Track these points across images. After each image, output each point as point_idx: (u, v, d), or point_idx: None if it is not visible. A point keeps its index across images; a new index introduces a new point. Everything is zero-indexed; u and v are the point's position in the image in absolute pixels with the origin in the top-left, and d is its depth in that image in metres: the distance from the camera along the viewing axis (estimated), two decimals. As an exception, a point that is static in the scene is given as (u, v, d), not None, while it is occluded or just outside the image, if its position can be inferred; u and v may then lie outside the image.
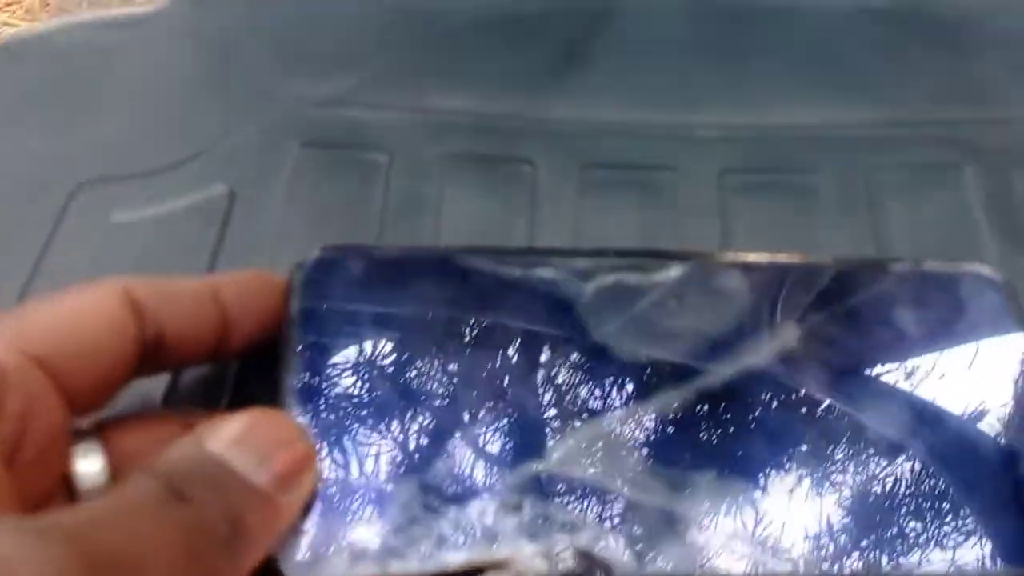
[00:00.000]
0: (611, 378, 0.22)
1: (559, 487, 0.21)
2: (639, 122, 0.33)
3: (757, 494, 0.21)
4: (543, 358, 0.22)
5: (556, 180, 0.31)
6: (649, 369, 0.23)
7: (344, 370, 0.22)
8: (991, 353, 0.24)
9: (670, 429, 0.22)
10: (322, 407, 0.21)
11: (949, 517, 0.22)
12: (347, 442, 0.21)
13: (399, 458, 0.21)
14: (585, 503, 0.21)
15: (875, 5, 0.33)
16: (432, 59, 0.34)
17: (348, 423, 0.21)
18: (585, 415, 0.22)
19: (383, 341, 0.22)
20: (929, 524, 0.22)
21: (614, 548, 0.20)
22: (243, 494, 0.18)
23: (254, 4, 0.35)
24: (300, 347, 0.22)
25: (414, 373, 0.22)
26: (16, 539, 0.15)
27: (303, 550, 0.19)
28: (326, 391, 0.21)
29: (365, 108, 0.33)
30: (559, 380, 0.22)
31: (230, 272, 0.23)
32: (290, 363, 0.21)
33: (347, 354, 0.22)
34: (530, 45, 0.34)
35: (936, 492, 0.22)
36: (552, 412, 0.22)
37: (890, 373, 0.23)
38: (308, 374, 0.21)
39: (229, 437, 0.19)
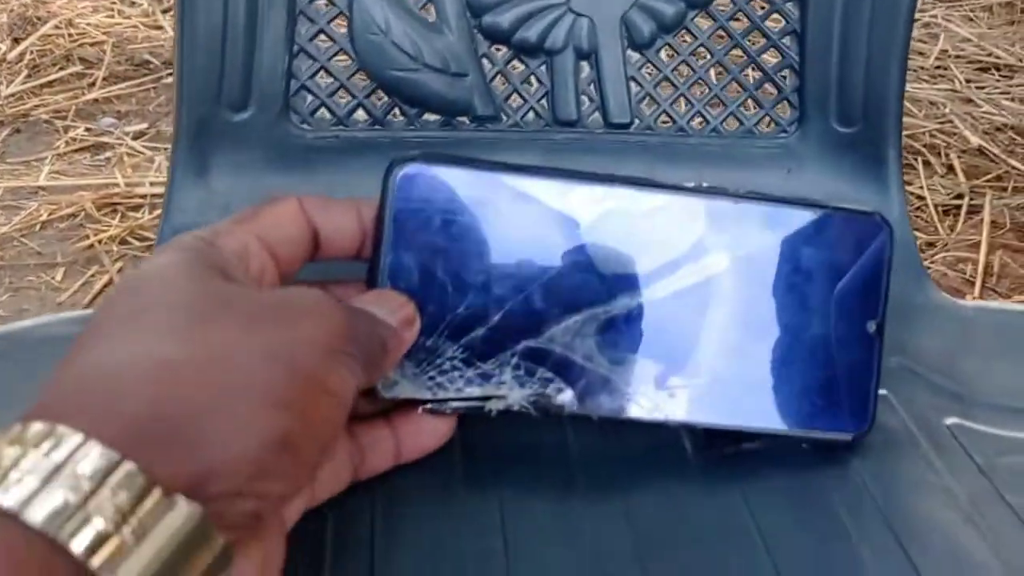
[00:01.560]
0: (587, 287, 0.34)
1: (542, 355, 0.33)
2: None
3: (664, 369, 0.34)
4: (549, 265, 0.33)
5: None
6: (615, 281, 0.34)
7: (418, 260, 0.32)
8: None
9: (616, 324, 0.34)
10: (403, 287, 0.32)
11: (812, 387, 0.36)
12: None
13: (449, 327, 0.32)
14: (556, 366, 0.33)
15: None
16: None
17: (418, 300, 0.32)
18: (567, 311, 0.33)
19: (446, 241, 0.33)
20: (793, 391, 0.36)
21: (569, 395, 0.33)
22: (385, 328, 0.30)
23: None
24: (391, 240, 0.32)
25: (465, 270, 0.33)
26: (317, 291, 0.29)
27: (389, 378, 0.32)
28: (405, 277, 0.32)
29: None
30: (555, 285, 0.33)
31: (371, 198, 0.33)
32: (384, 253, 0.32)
33: (421, 248, 0.32)
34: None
35: (800, 367, 0.36)
36: (545, 306, 0.33)
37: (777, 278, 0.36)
38: (394, 259, 0.32)
39: (369, 300, 0.31)
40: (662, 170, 0.47)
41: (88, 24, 1.59)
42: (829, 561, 0.33)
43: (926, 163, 1.38)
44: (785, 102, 0.47)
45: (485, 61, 0.46)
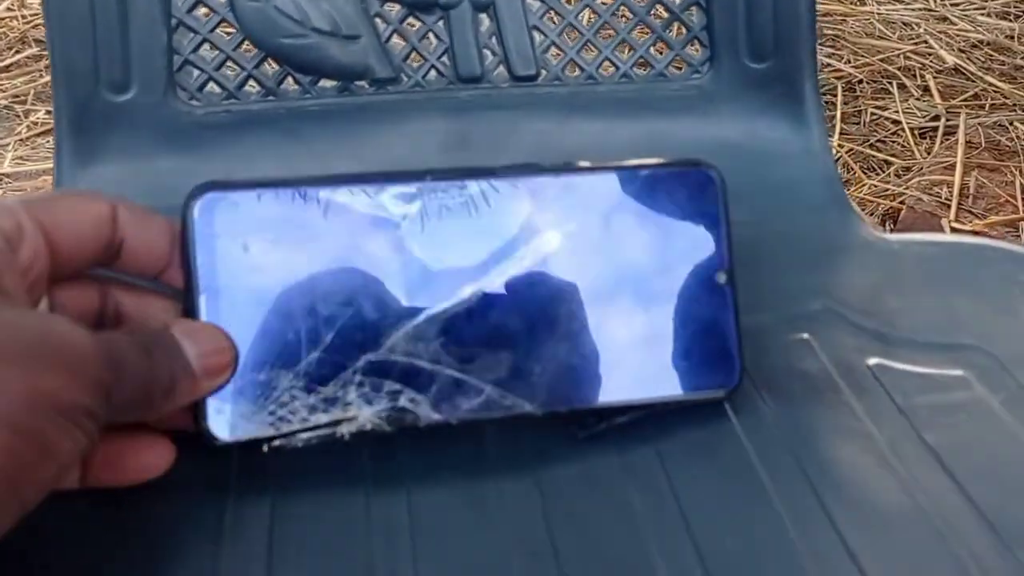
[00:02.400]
0: (424, 286, 0.32)
1: (385, 367, 0.31)
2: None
3: (514, 359, 0.33)
4: (376, 274, 0.32)
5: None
6: (448, 277, 0.32)
7: (234, 291, 0.31)
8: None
9: (458, 322, 0.32)
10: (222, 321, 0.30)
11: (672, 351, 0.34)
12: (241, 343, 0.31)
13: (281, 357, 0.31)
14: (403, 376, 0.31)
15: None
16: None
17: (243, 328, 0.30)
18: (403, 317, 0.32)
19: (261, 267, 0.31)
20: (653, 358, 0.34)
21: (421, 404, 0.32)
22: (184, 369, 0.29)
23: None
24: (202, 273, 0.31)
25: (286, 294, 0.31)
26: (68, 321, 0.26)
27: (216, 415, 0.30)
28: (224, 310, 0.31)
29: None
30: (385, 292, 0.32)
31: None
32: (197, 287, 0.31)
33: (235, 277, 0.31)
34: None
35: (654, 333, 0.34)
36: (379, 316, 0.31)
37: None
38: (208, 293, 0.31)
39: (189, 331, 0.29)
40: (575, 122, 0.46)
41: (41, 4, 1.56)
42: (741, 510, 0.32)
43: (901, 86, 1.35)
44: (695, 41, 0.45)
45: (378, 20, 0.44)
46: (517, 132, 0.45)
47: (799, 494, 0.32)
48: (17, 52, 1.50)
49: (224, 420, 0.30)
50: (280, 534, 0.30)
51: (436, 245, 0.32)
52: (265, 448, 0.31)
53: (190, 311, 0.31)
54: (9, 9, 1.55)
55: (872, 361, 0.38)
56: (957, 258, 0.43)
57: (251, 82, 0.44)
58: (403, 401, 0.31)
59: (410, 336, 0.31)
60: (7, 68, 1.49)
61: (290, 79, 0.44)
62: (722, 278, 0.35)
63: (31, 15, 1.55)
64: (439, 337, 0.32)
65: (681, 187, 0.34)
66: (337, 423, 0.31)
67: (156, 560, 0.29)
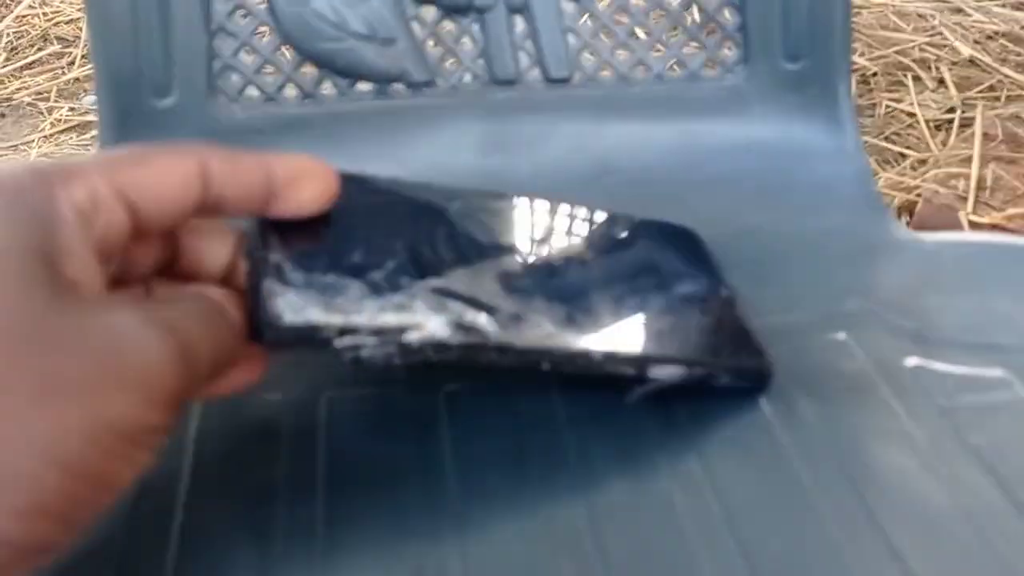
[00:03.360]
0: (472, 250, 0.33)
1: (448, 293, 0.31)
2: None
3: (569, 310, 0.33)
4: (431, 233, 0.33)
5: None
6: (493, 246, 0.34)
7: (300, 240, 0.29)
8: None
9: (512, 273, 0.33)
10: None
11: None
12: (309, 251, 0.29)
13: (348, 268, 0.29)
14: (465, 301, 0.31)
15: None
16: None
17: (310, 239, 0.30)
18: (459, 262, 0.32)
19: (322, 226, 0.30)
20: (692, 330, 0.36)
21: (488, 324, 0.31)
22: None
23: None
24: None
25: (350, 238, 0.31)
26: (136, 324, 0.23)
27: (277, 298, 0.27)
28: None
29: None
30: (439, 246, 0.32)
31: (285, 156, 0.29)
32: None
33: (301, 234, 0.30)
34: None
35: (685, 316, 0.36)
36: (440, 256, 0.32)
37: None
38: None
39: None
40: (609, 123, 0.46)
41: (62, 2, 1.57)
42: (783, 511, 0.32)
43: (916, 78, 1.34)
44: (728, 42, 0.45)
45: (414, 24, 0.44)
46: (552, 134, 0.45)
47: (842, 495, 0.32)
48: (40, 49, 1.51)
49: (287, 303, 0.27)
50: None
51: (480, 224, 0.34)
52: (334, 342, 0.28)
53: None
54: (31, 7, 1.55)
55: (911, 361, 0.38)
56: (994, 257, 0.43)
57: (290, 86, 0.44)
58: (469, 317, 0.30)
59: (469, 274, 0.32)
60: (30, 65, 1.49)
61: (328, 82, 0.44)
62: (724, 292, 0.38)
63: (52, 12, 1.55)
64: (497, 281, 0.33)
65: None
66: (404, 330, 0.29)
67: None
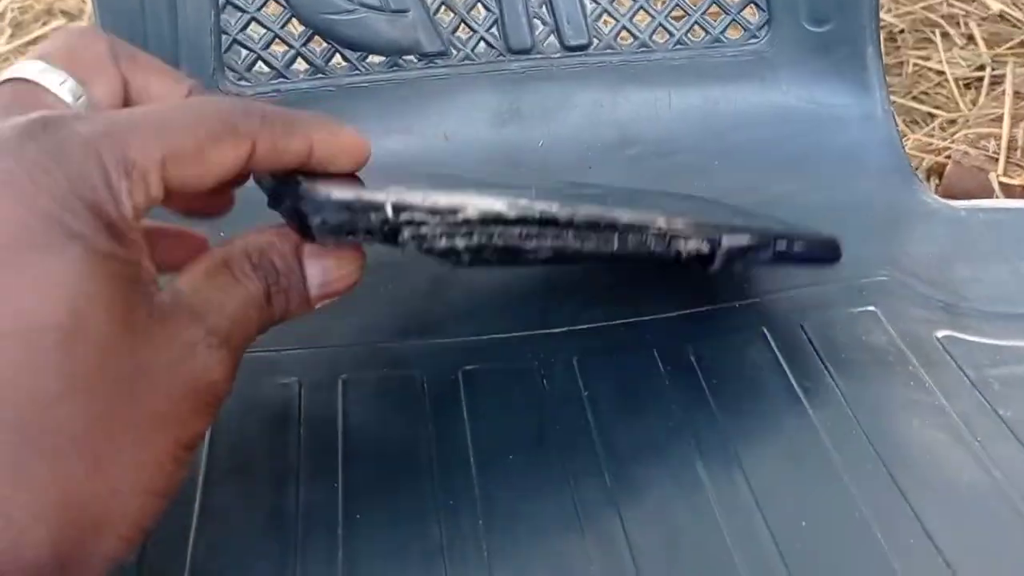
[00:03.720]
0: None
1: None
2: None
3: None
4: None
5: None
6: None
7: None
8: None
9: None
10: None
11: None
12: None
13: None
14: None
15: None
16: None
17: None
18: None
19: None
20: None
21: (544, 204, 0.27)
22: (301, 300, 0.27)
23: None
24: None
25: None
26: (204, 345, 0.24)
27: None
28: None
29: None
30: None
31: (330, 128, 0.27)
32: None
33: None
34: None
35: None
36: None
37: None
38: None
39: (312, 252, 0.27)
40: (628, 91, 0.45)
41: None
42: (812, 488, 0.31)
43: (944, 35, 1.31)
44: (752, 5, 0.44)
45: (426, -7, 0.43)
46: (569, 103, 0.45)
47: (871, 472, 0.32)
48: (44, 24, 1.50)
49: (330, 187, 0.25)
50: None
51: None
52: (390, 220, 0.25)
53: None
54: (37, -19, 1.55)
55: (941, 333, 0.37)
56: (1028, 224, 0.42)
57: (300, 60, 0.43)
58: (526, 200, 0.27)
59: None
60: (34, 40, 1.49)
61: (338, 56, 0.43)
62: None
63: (59, -14, 1.54)
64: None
65: None
66: (459, 210, 0.26)
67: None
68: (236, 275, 0.26)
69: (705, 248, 0.31)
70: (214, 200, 0.30)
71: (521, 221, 0.27)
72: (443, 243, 0.26)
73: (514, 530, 0.30)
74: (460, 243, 0.26)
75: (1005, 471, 0.31)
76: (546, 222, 0.27)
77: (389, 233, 0.25)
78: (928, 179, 1.10)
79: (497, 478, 0.32)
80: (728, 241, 0.31)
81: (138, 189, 0.23)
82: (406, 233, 0.25)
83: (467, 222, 0.26)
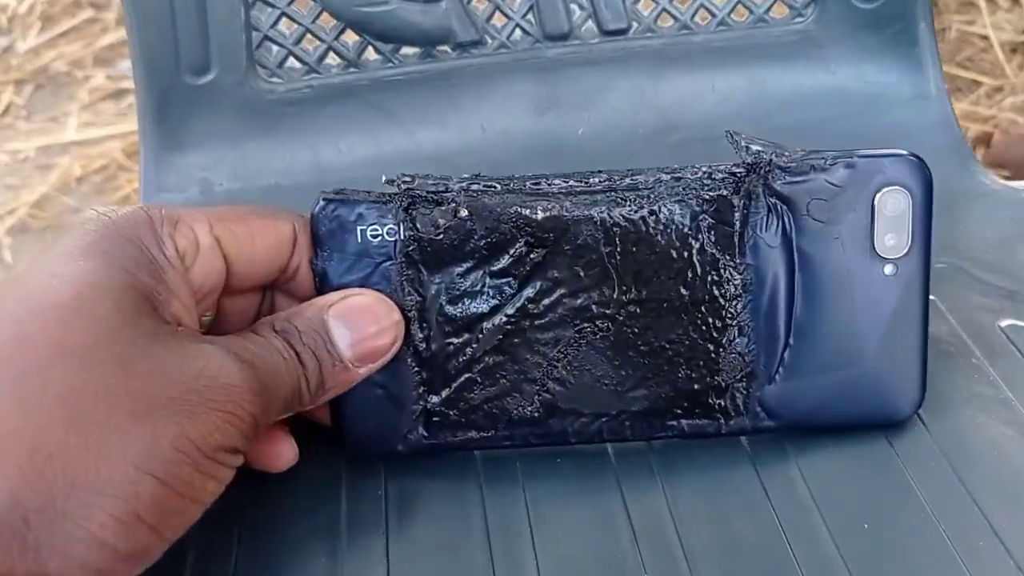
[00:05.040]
0: None
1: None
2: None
3: None
4: None
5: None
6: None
7: None
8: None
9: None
10: None
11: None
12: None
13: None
14: None
15: None
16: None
17: None
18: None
19: None
20: None
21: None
22: (332, 365, 0.29)
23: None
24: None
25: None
26: (221, 353, 0.26)
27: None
28: None
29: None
30: None
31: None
32: None
33: None
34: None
35: None
36: None
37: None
38: None
39: (345, 312, 0.29)
40: (670, 75, 0.44)
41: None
42: (874, 492, 0.31)
43: (989, -1, 1.28)
44: (797, -19, 0.43)
45: (459, -19, 0.42)
46: (609, 89, 0.44)
47: (935, 470, 0.31)
48: (72, 16, 1.51)
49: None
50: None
51: None
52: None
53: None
54: (62, -26, 1.55)
55: (1005, 322, 0.36)
56: (1093, 205, 0.40)
57: (331, 55, 0.43)
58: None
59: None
60: (64, 34, 1.50)
61: (371, 49, 0.43)
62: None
63: (84, -23, 1.55)
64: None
65: None
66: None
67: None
68: (259, 333, 0.28)
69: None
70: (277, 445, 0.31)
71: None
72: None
73: (566, 532, 0.30)
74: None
75: (1076, 468, 0.31)
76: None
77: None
78: (974, 149, 1.08)
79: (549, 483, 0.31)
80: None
81: (182, 235, 0.28)
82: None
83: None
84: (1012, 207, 0.41)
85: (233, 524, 0.30)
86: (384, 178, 0.30)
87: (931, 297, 0.37)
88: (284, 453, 0.31)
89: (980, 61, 1.21)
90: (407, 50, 0.43)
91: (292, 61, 0.42)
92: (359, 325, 0.29)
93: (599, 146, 0.43)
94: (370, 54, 0.43)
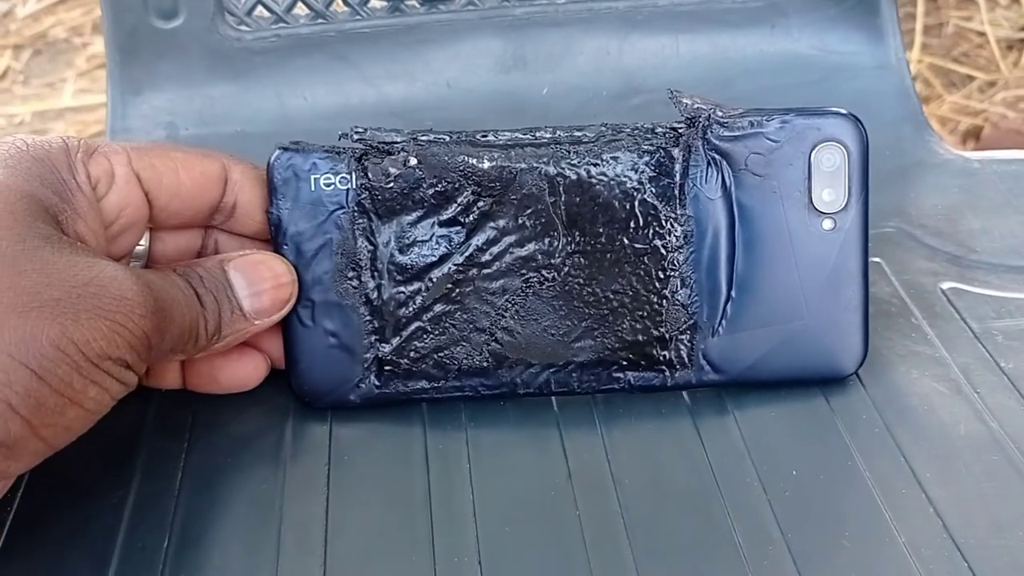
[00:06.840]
0: None
1: None
2: None
3: None
4: None
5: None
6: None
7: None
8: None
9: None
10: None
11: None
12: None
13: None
14: None
15: None
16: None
17: None
18: None
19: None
20: None
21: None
22: (232, 310, 0.30)
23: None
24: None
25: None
26: (117, 268, 0.26)
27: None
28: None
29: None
30: None
31: None
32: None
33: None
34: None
35: None
36: None
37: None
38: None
39: (244, 265, 0.30)
40: (634, 38, 0.45)
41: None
42: (806, 437, 0.32)
43: (988, -6, 1.29)
44: (762, -52, 0.44)
45: (429, -65, 0.43)
46: (574, 50, 0.45)
47: (867, 422, 0.32)
48: (70, -18, 1.52)
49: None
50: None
51: None
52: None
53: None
54: (63, -61, 1.56)
55: (946, 285, 0.37)
56: (1041, 176, 0.41)
57: (300, 5, 0.43)
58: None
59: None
60: (64, 0, 1.50)
61: (339, 1, 0.44)
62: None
63: (85, -56, 1.56)
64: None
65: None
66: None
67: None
68: (160, 270, 0.29)
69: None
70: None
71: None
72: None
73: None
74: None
75: (1003, 422, 0.32)
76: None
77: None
78: (964, 142, 1.09)
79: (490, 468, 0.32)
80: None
81: (96, 164, 0.28)
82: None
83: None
84: (964, 176, 0.42)
85: (180, 450, 0.31)
86: (339, 133, 0.31)
87: (877, 259, 0.38)
88: (250, 368, 0.32)
89: (975, 57, 1.21)
90: (375, 3, 0.44)
91: (260, 9, 0.43)
92: (257, 278, 0.30)
93: (563, 106, 0.44)
94: (338, 5, 0.44)
